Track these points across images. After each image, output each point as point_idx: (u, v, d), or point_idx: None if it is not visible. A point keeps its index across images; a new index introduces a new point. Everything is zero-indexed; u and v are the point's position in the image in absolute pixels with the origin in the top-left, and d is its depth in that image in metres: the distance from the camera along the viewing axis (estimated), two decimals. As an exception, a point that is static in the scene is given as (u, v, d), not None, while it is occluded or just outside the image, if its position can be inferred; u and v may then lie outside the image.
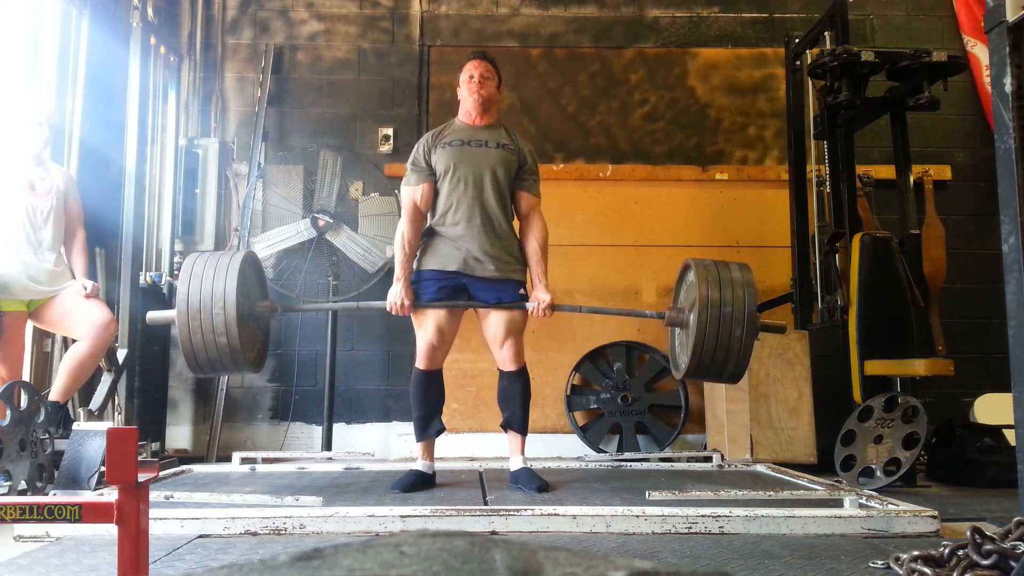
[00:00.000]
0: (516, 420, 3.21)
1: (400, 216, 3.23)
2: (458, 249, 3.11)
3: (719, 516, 2.43)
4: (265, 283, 3.18)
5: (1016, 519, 1.80)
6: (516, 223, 3.27)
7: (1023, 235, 2.06)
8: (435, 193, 3.17)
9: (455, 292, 3.12)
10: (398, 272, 3.10)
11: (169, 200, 4.58)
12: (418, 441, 3.26)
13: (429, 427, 3.23)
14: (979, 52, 4.83)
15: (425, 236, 3.19)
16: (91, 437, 2.94)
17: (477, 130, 3.21)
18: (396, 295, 3.07)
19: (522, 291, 3.18)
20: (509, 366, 3.16)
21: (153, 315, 2.96)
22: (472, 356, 4.55)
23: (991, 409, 4.38)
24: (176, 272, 4.61)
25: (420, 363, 3.15)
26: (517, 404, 3.19)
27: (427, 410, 3.21)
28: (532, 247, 3.18)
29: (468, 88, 3.19)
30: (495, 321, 3.13)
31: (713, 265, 2.89)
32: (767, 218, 4.87)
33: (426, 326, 3.11)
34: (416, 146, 3.24)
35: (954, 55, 3.88)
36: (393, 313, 3.08)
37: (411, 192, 3.17)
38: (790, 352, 3.97)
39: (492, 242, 3.11)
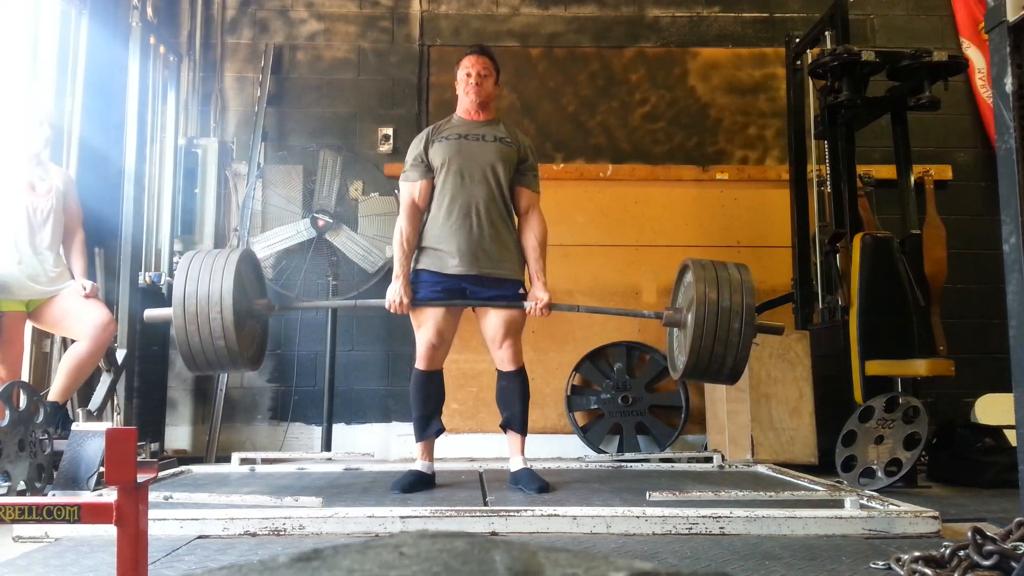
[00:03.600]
0: (515, 420, 3.20)
1: (399, 213, 3.22)
2: (455, 248, 3.07)
3: (720, 517, 2.42)
4: (263, 280, 3.16)
5: (1017, 519, 1.80)
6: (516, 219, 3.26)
7: (1023, 235, 2.05)
8: (432, 188, 3.16)
9: (453, 293, 3.11)
10: (397, 269, 3.09)
11: (168, 200, 4.58)
12: (418, 441, 3.25)
13: (429, 427, 3.23)
14: (972, 54, 4.82)
15: (421, 232, 3.17)
16: (90, 437, 2.94)
17: (475, 124, 3.20)
18: (395, 292, 3.07)
19: (521, 291, 3.18)
20: (507, 366, 3.16)
21: (151, 313, 2.95)
22: (472, 356, 4.55)
23: (992, 409, 4.38)
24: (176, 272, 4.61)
25: (420, 363, 3.15)
26: (516, 404, 3.18)
27: (427, 410, 3.21)
28: (531, 244, 3.17)
29: (465, 86, 3.19)
30: (493, 321, 3.13)
31: (711, 264, 2.89)
32: (767, 218, 4.86)
33: (425, 326, 3.11)
34: (414, 141, 3.23)
35: (955, 55, 3.88)
36: (392, 311, 3.07)
37: (410, 189, 3.16)
38: (791, 352, 3.97)
39: (489, 238, 3.09)
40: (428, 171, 3.16)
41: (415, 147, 3.20)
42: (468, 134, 3.17)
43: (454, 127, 3.21)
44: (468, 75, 3.17)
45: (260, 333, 3.11)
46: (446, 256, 3.09)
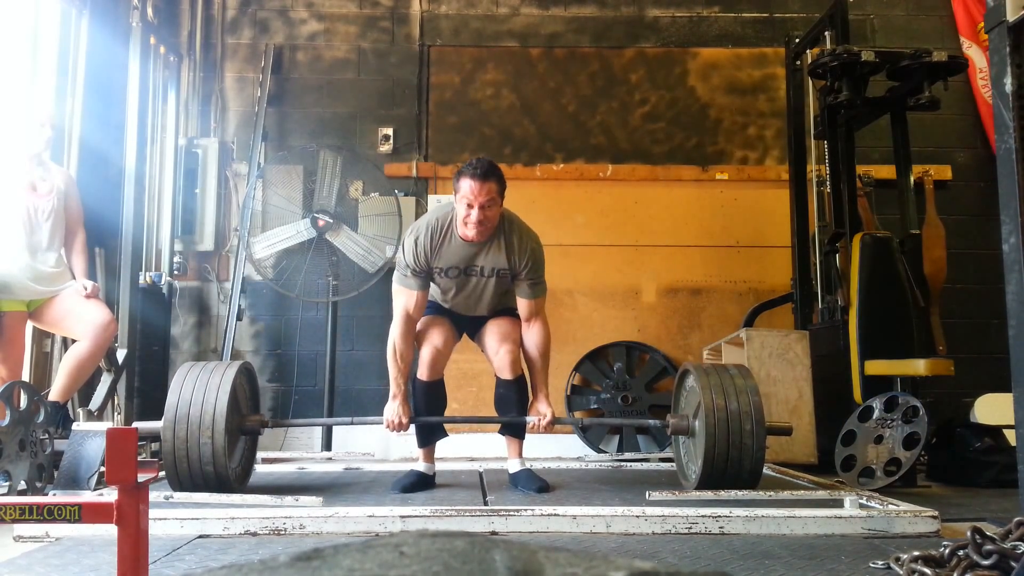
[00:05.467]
0: (513, 425, 3.21)
1: (394, 321, 3.07)
2: (457, 315, 3.22)
3: (719, 516, 2.42)
4: (258, 393, 3.16)
5: (1016, 519, 1.80)
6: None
7: (1023, 235, 2.05)
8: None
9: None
10: (394, 389, 3.01)
11: (169, 200, 4.59)
12: (420, 447, 3.26)
13: (432, 434, 3.24)
14: (973, 54, 4.82)
15: None
16: (91, 437, 2.94)
17: (473, 249, 2.98)
18: (394, 413, 3.00)
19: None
20: (506, 374, 3.15)
21: (139, 426, 2.89)
22: (472, 356, 4.54)
23: (991, 409, 4.38)
24: (176, 272, 4.61)
25: (423, 374, 3.16)
26: (514, 411, 3.18)
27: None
28: (532, 355, 3.08)
29: (465, 217, 2.85)
30: (490, 330, 3.18)
31: (713, 369, 2.92)
32: (767, 218, 4.86)
33: (429, 336, 3.13)
34: (411, 248, 2.97)
35: (954, 55, 3.87)
36: (390, 430, 3.04)
37: (406, 300, 3.00)
38: (790, 352, 3.97)
39: (489, 310, 3.17)
40: (425, 284, 3.03)
41: (411, 255, 2.97)
42: (467, 267, 3.00)
43: (453, 252, 2.98)
44: (470, 206, 2.82)
45: (250, 449, 3.10)
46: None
